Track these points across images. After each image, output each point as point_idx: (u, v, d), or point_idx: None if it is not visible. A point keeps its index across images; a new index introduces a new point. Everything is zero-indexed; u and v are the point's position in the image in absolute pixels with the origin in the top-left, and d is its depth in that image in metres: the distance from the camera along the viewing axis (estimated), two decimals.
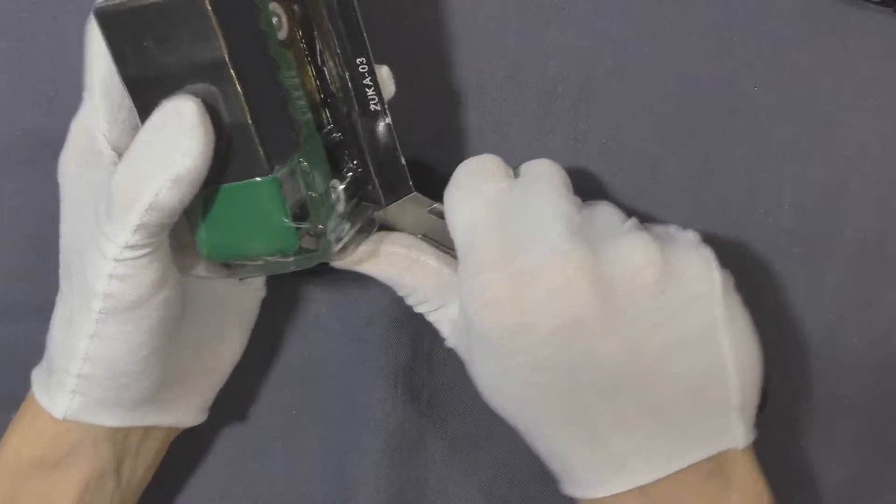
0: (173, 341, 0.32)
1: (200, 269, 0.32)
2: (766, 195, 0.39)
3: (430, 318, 0.36)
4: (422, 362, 0.40)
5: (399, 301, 0.40)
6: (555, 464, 0.33)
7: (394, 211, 0.34)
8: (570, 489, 0.33)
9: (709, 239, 0.39)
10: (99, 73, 0.30)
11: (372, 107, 0.33)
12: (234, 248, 0.31)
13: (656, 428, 0.30)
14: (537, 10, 0.38)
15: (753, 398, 0.31)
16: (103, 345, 0.30)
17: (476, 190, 0.32)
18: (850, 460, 0.40)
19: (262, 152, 0.29)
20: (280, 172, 0.29)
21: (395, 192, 0.34)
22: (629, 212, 0.39)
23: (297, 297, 0.41)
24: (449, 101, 0.39)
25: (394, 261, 0.34)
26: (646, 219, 0.39)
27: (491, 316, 0.30)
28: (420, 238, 0.35)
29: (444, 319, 0.35)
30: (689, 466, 0.30)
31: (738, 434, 0.31)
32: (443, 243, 0.35)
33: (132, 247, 0.28)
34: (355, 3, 0.32)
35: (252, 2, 0.29)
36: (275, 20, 0.30)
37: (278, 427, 0.41)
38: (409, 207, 0.34)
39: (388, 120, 0.33)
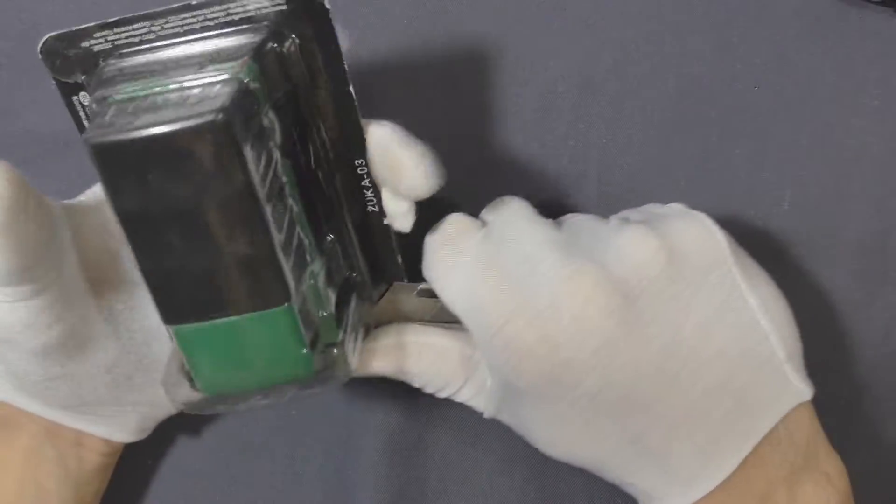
0: (83, 371, 0.32)
1: (193, 404, 0.30)
2: (766, 195, 0.39)
3: (460, 399, 0.34)
4: None
5: None
6: (635, 488, 0.32)
7: (386, 307, 0.33)
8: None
9: None
10: None
11: (370, 208, 0.31)
12: (240, 382, 0.28)
13: (715, 414, 0.29)
14: (537, 10, 0.38)
15: (797, 347, 0.31)
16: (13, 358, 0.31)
17: (454, 254, 0.31)
18: (850, 460, 0.40)
19: (283, 281, 0.27)
20: (296, 299, 0.27)
21: (383, 285, 0.32)
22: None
23: None
24: (449, 102, 0.39)
25: (402, 352, 0.33)
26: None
27: (529, 367, 0.29)
28: (424, 323, 0.34)
29: (474, 395, 0.34)
30: (761, 444, 0.29)
31: (798, 387, 0.30)
32: (446, 319, 0.33)
33: None
34: (355, 102, 0.29)
35: (257, 118, 0.26)
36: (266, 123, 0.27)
37: (278, 427, 0.41)
38: (399, 298, 0.33)
39: (386, 220, 0.31)
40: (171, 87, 0.26)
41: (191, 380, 0.29)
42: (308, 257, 0.29)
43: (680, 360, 0.29)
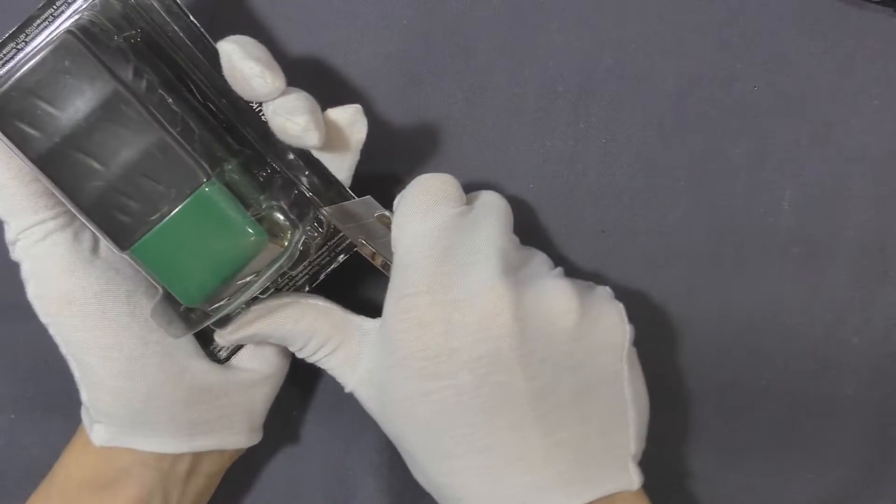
0: (167, 356, 0.32)
1: (193, 323, 0.32)
2: (766, 195, 0.39)
3: (329, 365, 0.35)
4: None
5: None
6: (448, 500, 0.33)
7: (340, 211, 0.34)
8: None
9: (708, 239, 0.39)
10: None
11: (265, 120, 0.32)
12: (213, 276, 0.30)
13: (559, 466, 0.31)
14: (537, 10, 0.38)
15: (642, 447, 0.33)
16: (87, 356, 0.32)
17: (430, 212, 0.32)
18: (851, 460, 0.40)
19: (196, 163, 0.30)
20: (217, 178, 0.30)
21: (330, 197, 0.34)
22: (628, 211, 0.39)
23: None
24: (449, 102, 0.39)
25: (285, 311, 0.34)
26: (645, 218, 0.39)
27: (420, 338, 0.31)
28: (359, 242, 0.35)
29: (341, 363, 0.35)
30: None
31: (633, 477, 0.32)
32: (378, 251, 0.35)
33: (20, 232, 0.31)
34: (201, 31, 0.32)
35: (105, 39, 0.30)
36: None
37: (278, 427, 0.41)
38: (358, 209, 0.33)
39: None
40: (29, 47, 0.31)
41: (176, 303, 0.31)
42: (219, 154, 0.31)
43: (548, 406, 0.31)
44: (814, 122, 0.38)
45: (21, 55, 0.31)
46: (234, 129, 0.33)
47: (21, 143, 0.29)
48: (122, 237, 0.30)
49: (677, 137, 0.39)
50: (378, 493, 0.40)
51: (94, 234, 0.32)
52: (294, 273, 0.35)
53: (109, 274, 0.32)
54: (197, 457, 0.35)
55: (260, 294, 0.34)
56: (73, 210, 0.30)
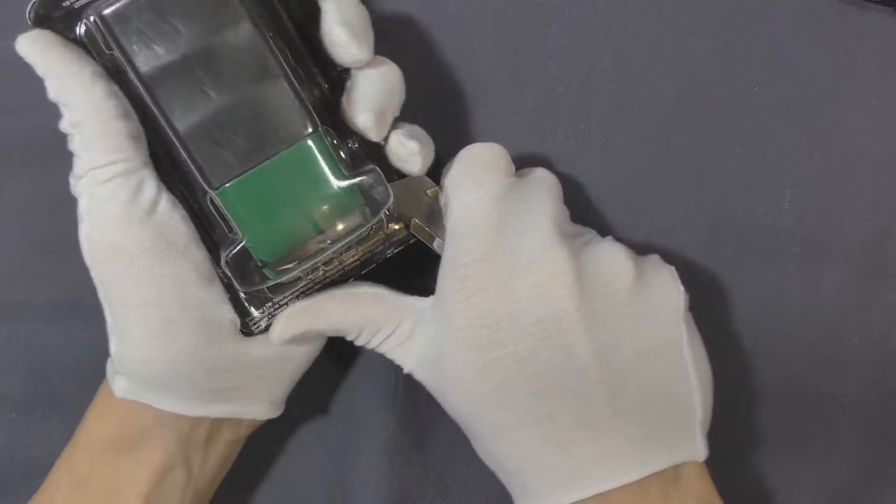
0: (199, 314, 0.32)
1: (266, 274, 0.32)
2: (766, 195, 0.39)
3: (385, 348, 0.35)
4: None
5: None
6: (512, 474, 0.33)
7: (394, 189, 0.34)
8: (522, 501, 0.33)
9: (708, 239, 0.39)
10: (94, 99, 0.30)
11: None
12: (293, 233, 0.30)
13: (625, 432, 0.30)
14: (537, 10, 0.38)
15: (709, 416, 0.32)
16: (123, 310, 0.31)
17: (482, 180, 0.32)
18: (850, 460, 0.40)
19: (309, 113, 0.29)
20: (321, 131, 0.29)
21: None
22: (628, 211, 0.39)
23: None
24: (449, 102, 0.39)
25: (331, 304, 0.33)
26: (645, 218, 0.39)
27: (478, 305, 0.30)
28: (414, 223, 0.35)
29: (398, 345, 0.34)
30: (649, 478, 0.31)
31: (699, 446, 0.31)
32: (433, 230, 0.34)
33: (90, 165, 0.30)
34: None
35: None
36: None
37: (278, 427, 0.41)
38: (411, 186, 0.34)
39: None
40: None
41: (253, 265, 0.31)
42: (320, 117, 0.31)
43: (611, 370, 0.30)
44: (814, 122, 0.38)
45: None
46: (326, 99, 0.33)
47: (136, 55, 0.28)
48: (215, 174, 0.29)
49: (677, 137, 0.39)
50: (378, 494, 0.40)
51: (157, 188, 0.31)
52: (345, 258, 0.34)
53: (164, 232, 0.31)
54: (216, 423, 0.35)
55: (301, 281, 0.33)
56: (171, 136, 0.29)
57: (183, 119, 0.29)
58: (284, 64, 0.29)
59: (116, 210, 0.31)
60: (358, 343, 0.35)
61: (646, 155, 0.39)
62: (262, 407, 0.35)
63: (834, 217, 0.39)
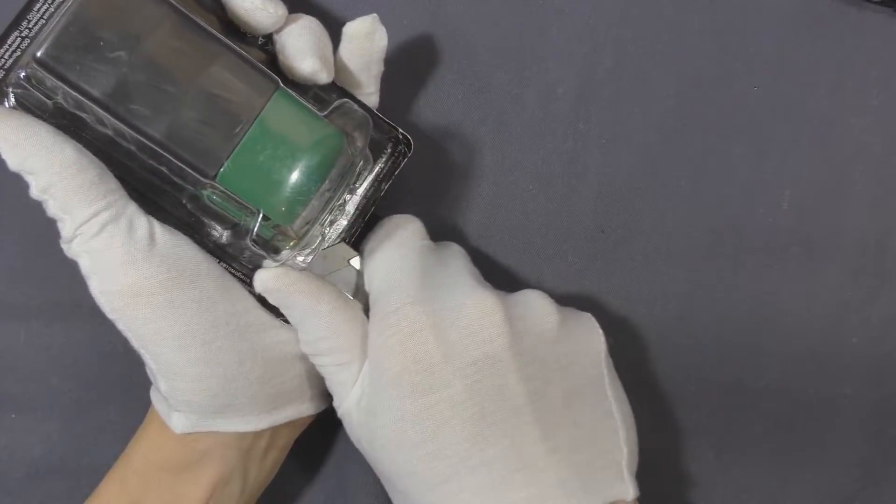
0: (238, 326, 0.32)
1: (289, 238, 0.31)
2: (766, 195, 0.39)
3: (333, 376, 0.33)
4: None
5: None
6: None
7: (316, 264, 0.34)
8: None
9: (708, 239, 0.39)
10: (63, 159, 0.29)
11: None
12: (300, 188, 0.29)
13: (558, 473, 0.30)
14: (537, 11, 0.38)
15: (635, 455, 0.33)
16: (160, 348, 0.31)
17: (403, 240, 0.33)
18: (851, 460, 0.40)
19: (260, 71, 0.29)
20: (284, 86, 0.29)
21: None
22: (628, 211, 0.39)
23: None
24: (449, 102, 0.39)
25: (333, 296, 0.32)
26: (645, 218, 0.39)
27: (411, 347, 0.30)
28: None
29: (348, 379, 0.33)
30: None
31: (628, 485, 0.32)
32: (354, 296, 0.34)
33: (91, 218, 0.30)
34: None
35: None
36: None
37: None
38: (331, 256, 0.34)
39: None
40: None
41: (275, 236, 0.31)
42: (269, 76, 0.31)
43: (542, 409, 0.31)
44: (814, 122, 0.38)
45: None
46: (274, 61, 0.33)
47: (87, 81, 0.28)
48: (208, 162, 0.29)
49: (677, 137, 0.39)
50: (378, 494, 0.40)
51: (147, 220, 0.31)
52: (344, 200, 0.33)
53: (171, 261, 0.31)
54: (275, 430, 0.34)
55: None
56: (152, 145, 0.29)
57: (156, 124, 0.29)
58: (222, 37, 0.29)
59: (118, 256, 0.30)
60: (309, 350, 0.33)
61: (645, 155, 0.39)
62: (316, 401, 0.35)
63: (834, 217, 0.39)
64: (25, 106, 0.31)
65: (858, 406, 0.40)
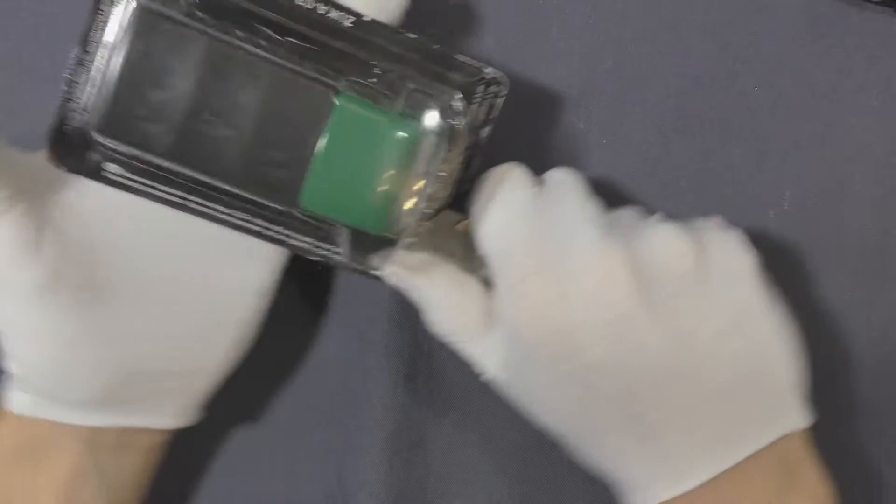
0: (109, 332, 0.31)
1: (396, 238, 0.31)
2: (766, 195, 0.39)
3: (469, 350, 0.34)
4: (422, 362, 0.40)
5: (399, 301, 0.40)
6: (613, 474, 0.32)
7: (424, 235, 0.33)
8: (631, 499, 0.32)
9: None
10: None
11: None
12: (389, 186, 0.28)
13: (715, 418, 0.30)
14: (537, 11, 0.38)
15: (802, 375, 0.31)
16: (16, 333, 0.30)
17: (507, 200, 0.32)
18: (850, 460, 0.40)
19: (314, 81, 0.28)
20: (345, 87, 0.28)
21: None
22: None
23: (297, 296, 0.41)
24: None
25: (444, 277, 0.33)
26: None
27: (541, 322, 0.30)
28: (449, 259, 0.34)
29: (487, 350, 0.33)
30: (753, 458, 0.30)
31: (796, 414, 0.31)
32: (472, 260, 0.33)
33: None
34: None
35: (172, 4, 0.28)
36: None
37: (278, 427, 0.41)
38: (440, 224, 0.33)
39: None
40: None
41: (369, 243, 0.30)
42: (329, 75, 0.29)
43: (690, 357, 0.30)
44: (814, 122, 0.38)
45: (98, 57, 0.28)
46: (325, 53, 0.31)
47: (147, 143, 0.27)
48: (287, 194, 0.28)
49: (677, 137, 0.39)
50: (378, 494, 0.40)
51: (36, 221, 0.29)
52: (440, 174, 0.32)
53: (56, 265, 0.30)
54: (124, 430, 0.34)
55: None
56: (226, 188, 0.28)
57: (224, 169, 0.28)
58: (266, 52, 0.28)
59: (5, 251, 0.29)
60: (435, 327, 0.34)
61: (646, 155, 0.39)
62: (171, 418, 0.34)
63: (834, 217, 0.39)
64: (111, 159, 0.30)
65: (859, 406, 0.40)
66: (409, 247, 0.32)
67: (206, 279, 0.33)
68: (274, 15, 0.29)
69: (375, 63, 0.31)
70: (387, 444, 0.40)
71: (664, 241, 0.30)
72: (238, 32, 0.28)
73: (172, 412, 0.35)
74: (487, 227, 0.32)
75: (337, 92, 0.28)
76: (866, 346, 0.39)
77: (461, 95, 0.31)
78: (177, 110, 0.27)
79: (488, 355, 0.33)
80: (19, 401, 0.33)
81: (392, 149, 0.28)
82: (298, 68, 0.28)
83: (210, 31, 0.27)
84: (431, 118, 0.30)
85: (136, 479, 0.36)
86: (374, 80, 0.31)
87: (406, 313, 0.40)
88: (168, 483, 0.41)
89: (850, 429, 0.40)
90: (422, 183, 0.29)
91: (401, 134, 0.28)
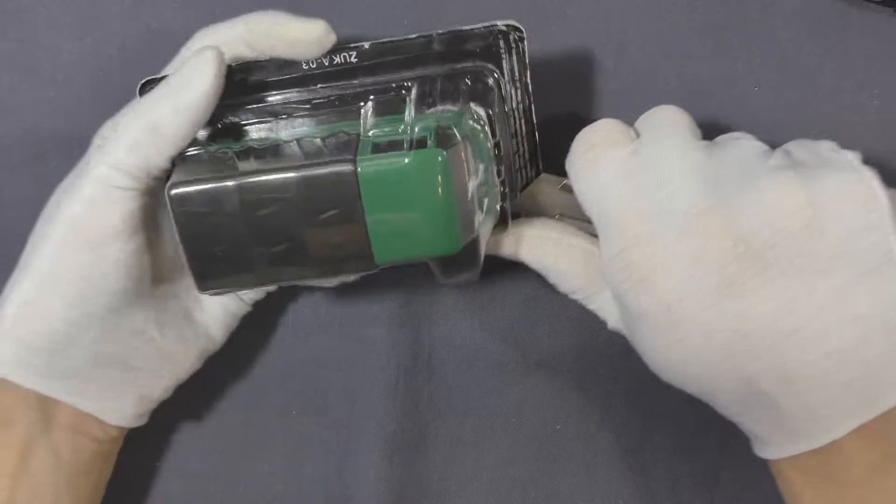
0: (119, 319, 0.32)
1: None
2: None
3: (590, 305, 0.35)
4: (422, 362, 0.40)
5: (399, 301, 0.40)
6: (744, 427, 0.32)
7: (526, 196, 0.34)
8: (769, 452, 0.32)
9: None
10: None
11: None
12: (442, 204, 0.29)
13: (842, 376, 0.28)
14: (538, 11, 0.38)
15: None
16: (49, 286, 0.31)
17: (601, 162, 0.31)
18: (850, 460, 0.40)
19: (330, 165, 0.29)
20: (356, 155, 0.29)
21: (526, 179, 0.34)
22: None
23: (297, 296, 0.41)
24: None
25: (548, 246, 0.33)
26: None
27: (645, 293, 0.30)
28: (558, 218, 0.34)
29: (602, 305, 0.34)
30: (886, 418, 0.28)
31: None
32: (581, 219, 0.34)
33: (119, 169, 0.30)
34: None
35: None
36: None
37: (278, 427, 0.41)
38: (541, 189, 0.34)
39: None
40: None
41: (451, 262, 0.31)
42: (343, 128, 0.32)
43: (806, 317, 0.28)
44: (814, 122, 0.38)
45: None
46: (344, 98, 0.33)
47: (235, 284, 0.31)
48: (361, 261, 0.30)
49: None
50: (378, 494, 0.40)
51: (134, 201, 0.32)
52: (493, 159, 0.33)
53: (139, 251, 0.32)
54: (80, 414, 0.34)
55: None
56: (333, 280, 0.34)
57: (301, 272, 0.30)
58: (286, 163, 0.30)
59: (115, 218, 0.31)
60: (560, 289, 0.35)
61: None
62: (127, 415, 0.35)
63: None
64: None
65: None
66: (513, 225, 0.33)
67: (190, 292, 0.35)
68: (294, 88, 0.33)
69: (391, 79, 0.32)
70: (387, 444, 0.40)
71: (774, 196, 0.28)
72: (255, 147, 0.31)
73: (126, 413, 0.35)
74: (584, 193, 0.32)
75: (352, 163, 0.29)
76: None
77: (488, 68, 0.32)
78: (242, 251, 0.30)
79: (606, 310, 0.34)
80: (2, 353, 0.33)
81: (426, 180, 0.29)
82: (312, 161, 0.29)
83: (233, 174, 0.29)
84: (449, 119, 0.31)
85: (95, 466, 0.35)
86: (392, 93, 0.33)
87: (406, 313, 0.40)
88: (169, 483, 0.41)
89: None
90: (474, 181, 0.30)
91: (425, 163, 0.29)
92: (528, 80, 0.33)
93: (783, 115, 0.38)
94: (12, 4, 0.39)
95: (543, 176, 0.33)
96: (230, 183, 0.29)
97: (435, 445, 0.40)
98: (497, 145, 0.33)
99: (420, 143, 0.29)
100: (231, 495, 0.41)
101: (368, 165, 0.29)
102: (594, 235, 0.33)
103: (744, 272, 0.28)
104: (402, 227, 0.29)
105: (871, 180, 0.28)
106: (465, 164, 0.30)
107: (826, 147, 0.30)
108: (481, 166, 0.31)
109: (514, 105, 0.33)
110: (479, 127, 0.32)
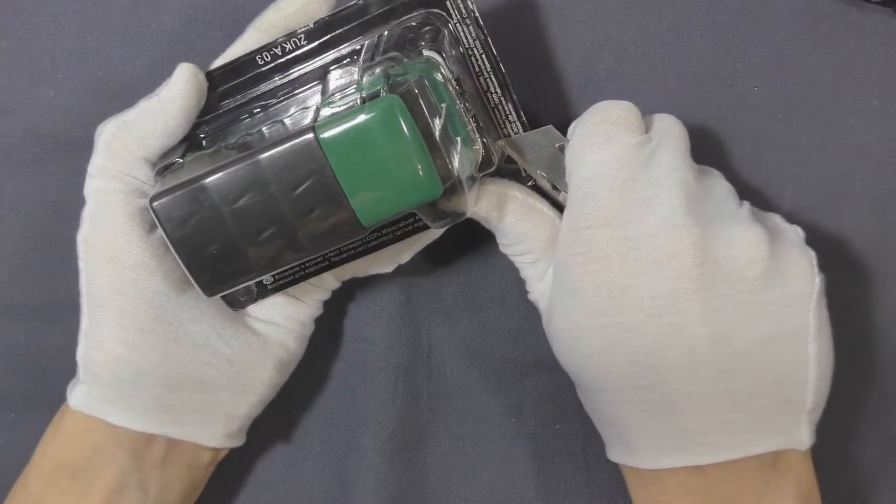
0: (173, 332, 0.33)
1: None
2: (766, 195, 0.39)
3: (525, 270, 0.35)
4: (422, 362, 0.40)
5: (399, 301, 0.40)
6: (612, 429, 0.33)
7: (522, 141, 0.34)
8: (620, 456, 0.33)
9: None
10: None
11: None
12: (412, 151, 0.29)
13: (726, 414, 0.30)
14: (537, 11, 0.38)
15: (822, 404, 0.32)
16: (92, 311, 0.32)
17: (609, 141, 0.31)
18: (850, 461, 0.40)
19: (294, 135, 0.29)
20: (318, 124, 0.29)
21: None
22: None
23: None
24: None
25: (512, 204, 0.33)
26: None
27: (595, 273, 0.30)
28: (538, 174, 0.34)
29: (535, 276, 0.34)
30: (749, 457, 0.30)
31: (803, 435, 0.31)
32: (556, 181, 0.34)
33: (102, 173, 0.32)
34: None
35: None
36: None
37: (278, 427, 0.41)
38: (538, 140, 0.33)
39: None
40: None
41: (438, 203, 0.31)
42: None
43: (722, 354, 0.30)
44: (814, 122, 0.38)
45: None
46: (301, 79, 0.34)
47: (237, 279, 0.30)
48: (351, 228, 0.30)
49: None
50: (378, 494, 0.40)
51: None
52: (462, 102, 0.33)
53: (157, 252, 0.32)
54: (172, 444, 0.34)
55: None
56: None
57: (296, 250, 0.30)
58: (250, 150, 0.30)
59: (119, 221, 0.31)
60: (504, 250, 0.35)
61: None
62: (218, 435, 0.35)
63: (834, 217, 0.39)
64: None
65: (859, 406, 0.40)
66: (487, 176, 0.33)
67: (260, 304, 0.36)
68: (256, 86, 0.33)
69: (346, 45, 0.33)
70: (387, 444, 0.40)
71: (744, 242, 0.30)
72: (230, 140, 0.32)
73: (219, 428, 0.35)
74: (580, 161, 0.32)
75: (314, 129, 0.29)
76: (866, 346, 0.39)
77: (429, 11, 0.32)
78: (234, 245, 0.30)
79: (538, 278, 0.34)
80: (80, 397, 0.33)
81: (389, 128, 0.29)
82: (278, 140, 0.29)
83: (206, 172, 0.29)
84: (402, 70, 0.31)
85: (182, 500, 0.36)
86: (346, 62, 0.33)
87: (406, 313, 0.40)
88: None
89: (849, 428, 0.40)
90: (438, 121, 0.30)
91: (382, 112, 0.29)
92: (478, 14, 0.33)
93: (783, 115, 0.38)
94: (12, 4, 0.39)
95: (549, 127, 0.33)
96: (204, 181, 0.29)
97: (434, 445, 0.40)
98: (458, 81, 0.33)
99: (373, 97, 0.29)
100: (231, 495, 0.41)
101: (328, 129, 0.29)
102: (555, 204, 0.34)
103: (690, 293, 0.29)
104: (380, 183, 0.29)
105: (813, 259, 0.31)
106: (422, 106, 0.29)
107: (778, 218, 0.33)
108: (443, 105, 0.31)
109: (469, 43, 0.33)
110: (430, 66, 0.32)
